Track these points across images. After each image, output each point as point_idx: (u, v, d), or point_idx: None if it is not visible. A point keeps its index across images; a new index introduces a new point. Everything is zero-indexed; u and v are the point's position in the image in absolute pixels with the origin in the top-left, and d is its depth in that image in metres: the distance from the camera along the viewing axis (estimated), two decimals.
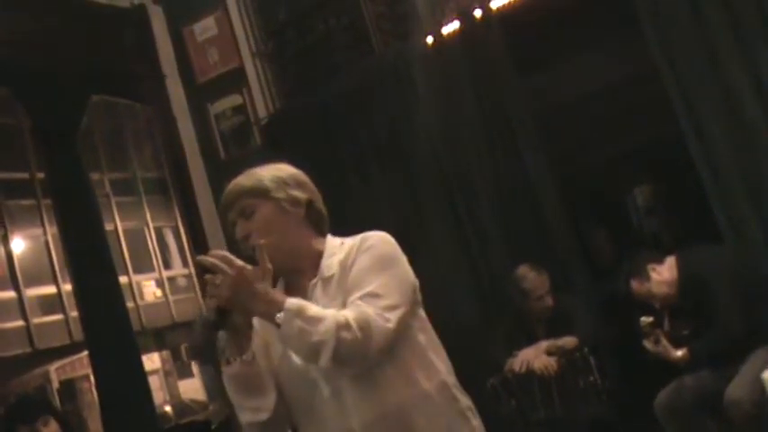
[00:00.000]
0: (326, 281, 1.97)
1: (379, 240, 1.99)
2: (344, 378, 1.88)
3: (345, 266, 1.95)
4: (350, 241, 2.02)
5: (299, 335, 1.79)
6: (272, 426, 1.94)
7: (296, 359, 1.93)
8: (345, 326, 1.80)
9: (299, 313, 1.79)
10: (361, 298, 1.87)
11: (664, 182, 5.97)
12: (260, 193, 1.99)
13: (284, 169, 2.07)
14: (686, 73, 4.28)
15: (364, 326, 1.82)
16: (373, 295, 1.88)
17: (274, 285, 2.01)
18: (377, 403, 1.90)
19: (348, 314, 1.83)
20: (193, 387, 18.04)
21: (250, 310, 1.83)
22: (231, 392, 1.92)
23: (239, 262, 1.80)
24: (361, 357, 1.84)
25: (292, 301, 1.82)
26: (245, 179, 2.03)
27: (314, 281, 1.98)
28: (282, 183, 2.02)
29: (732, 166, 4.20)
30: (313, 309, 1.83)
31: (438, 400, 1.97)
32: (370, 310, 1.84)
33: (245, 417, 1.91)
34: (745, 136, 4.16)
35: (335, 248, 2.02)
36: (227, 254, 1.80)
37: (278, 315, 1.79)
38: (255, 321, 1.91)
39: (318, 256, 2.01)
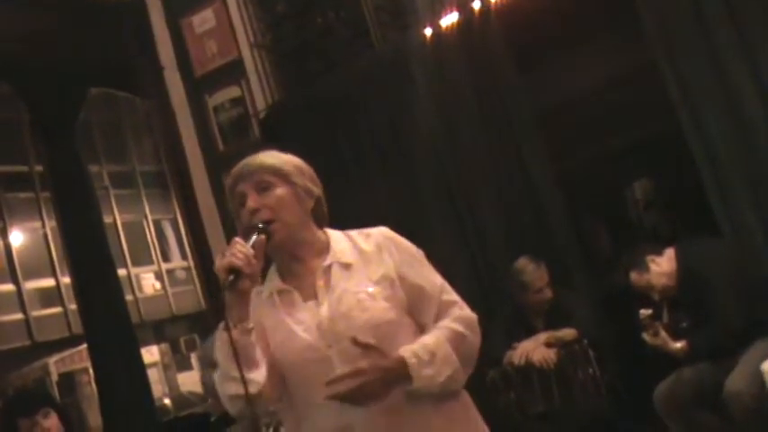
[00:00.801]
0: (345, 266, 2.00)
1: (398, 236, 2.08)
2: (360, 359, 1.90)
3: (369, 258, 2.01)
4: (357, 234, 2.06)
5: (433, 379, 1.91)
6: (256, 402, 1.93)
7: (305, 336, 1.95)
8: (456, 336, 1.96)
9: (421, 362, 1.90)
10: (442, 293, 2.03)
11: (663, 176, 5.95)
12: (281, 173, 2.02)
13: (300, 161, 2.10)
14: (686, 68, 4.27)
15: (467, 324, 2.00)
16: (445, 288, 2.05)
17: (266, 270, 2.03)
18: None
19: (448, 323, 1.98)
20: (192, 379, 18.06)
21: (390, 389, 1.90)
22: (223, 359, 1.92)
23: (360, 367, 1.87)
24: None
25: (406, 356, 1.90)
26: (266, 157, 2.05)
27: (326, 262, 2.01)
28: (301, 172, 2.06)
29: (731, 162, 4.18)
30: (421, 347, 1.93)
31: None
32: (462, 310, 2.02)
33: (231, 388, 1.91)
34: (745, 132, 4.14)
35: (340, 237, 2.06)
36: (352, 372, 1.86)
37: (410, 374, 1.89)
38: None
39: (322, 243, 2.04)
